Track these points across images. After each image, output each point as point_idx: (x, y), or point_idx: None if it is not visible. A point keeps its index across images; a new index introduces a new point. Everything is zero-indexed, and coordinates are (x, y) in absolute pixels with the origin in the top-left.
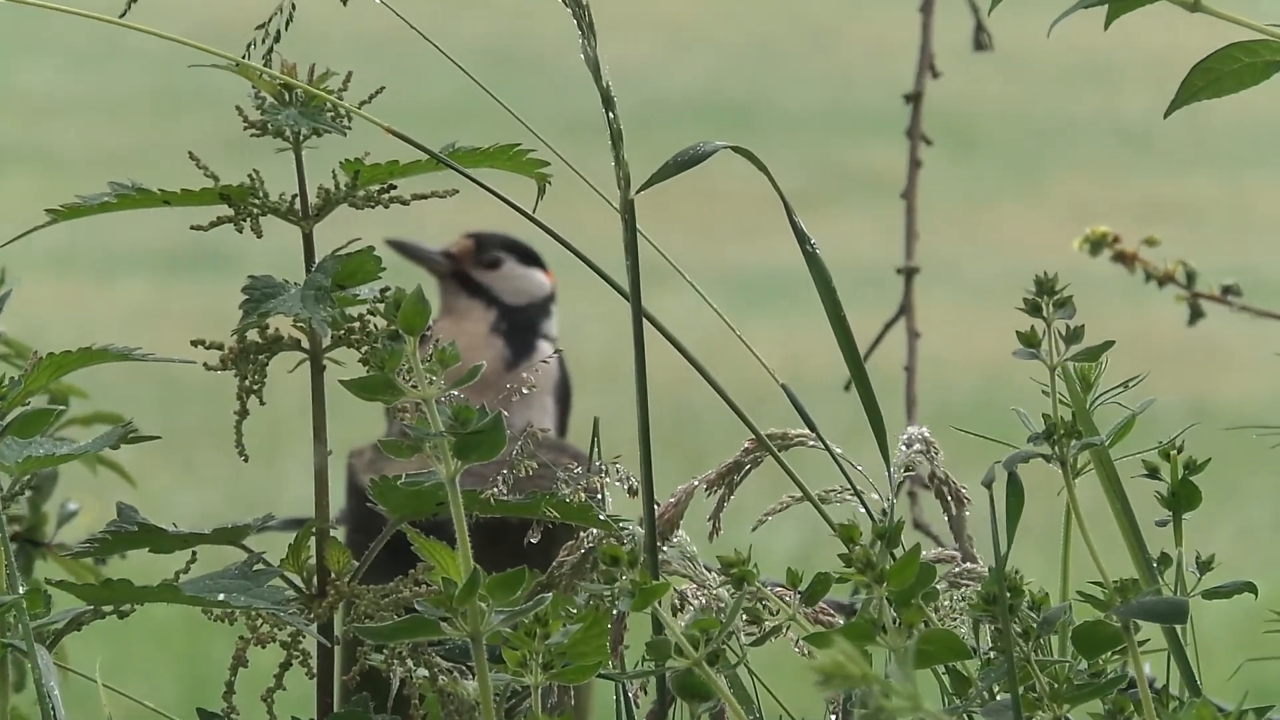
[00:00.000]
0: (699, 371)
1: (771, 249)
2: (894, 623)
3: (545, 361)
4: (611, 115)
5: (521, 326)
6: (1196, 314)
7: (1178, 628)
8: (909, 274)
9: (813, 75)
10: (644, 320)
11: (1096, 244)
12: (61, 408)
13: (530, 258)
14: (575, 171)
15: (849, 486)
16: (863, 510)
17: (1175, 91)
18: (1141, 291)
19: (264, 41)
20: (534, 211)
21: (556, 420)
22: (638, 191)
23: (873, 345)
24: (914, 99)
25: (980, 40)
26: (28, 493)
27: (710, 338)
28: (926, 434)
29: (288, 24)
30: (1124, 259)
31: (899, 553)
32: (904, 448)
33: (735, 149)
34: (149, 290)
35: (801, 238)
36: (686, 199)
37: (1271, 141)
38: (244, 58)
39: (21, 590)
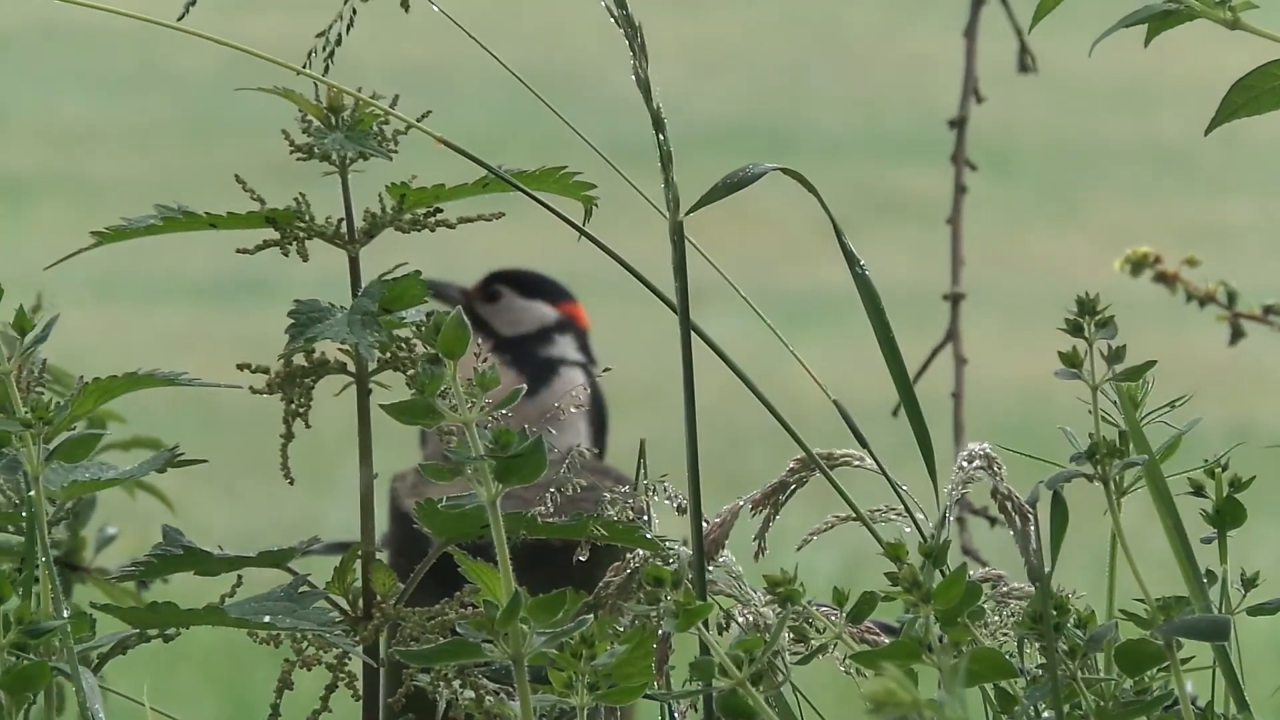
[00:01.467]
0: (749, 387)
1: (812, 272)
2: (940, 641)
3: (582, 388)
4: (661, 137)
5: (530, 354)
6: (1237, 334)
7: (1225, 645)
8: (955, 300)
9: (847, 99)
10: (692, 341)
11: (1138, 264)
12: (103, 431)
13: (532, 290)
14: (634, 187)
15: (895, 507)
16: (909, 530)
17: (1214, 113)
18: (1181, 314)
19: (311, 65)
20: (580, 233)
21: (593, 442)
22: (688, 213)
23: (920, 371)
24: (958, 124)
25: (1024, 62)
26: (68, 518)
27: (754, 360)
28: (989, 449)
29: (336, 47)
30: (1165, 279)
31: (946, 572)
32: (965, 464)
33: (785, 170)
34: (189, 317)
35: (851, 259)
36: (727, 223)
37: None
38: (295, 77)
39: (66, 614)
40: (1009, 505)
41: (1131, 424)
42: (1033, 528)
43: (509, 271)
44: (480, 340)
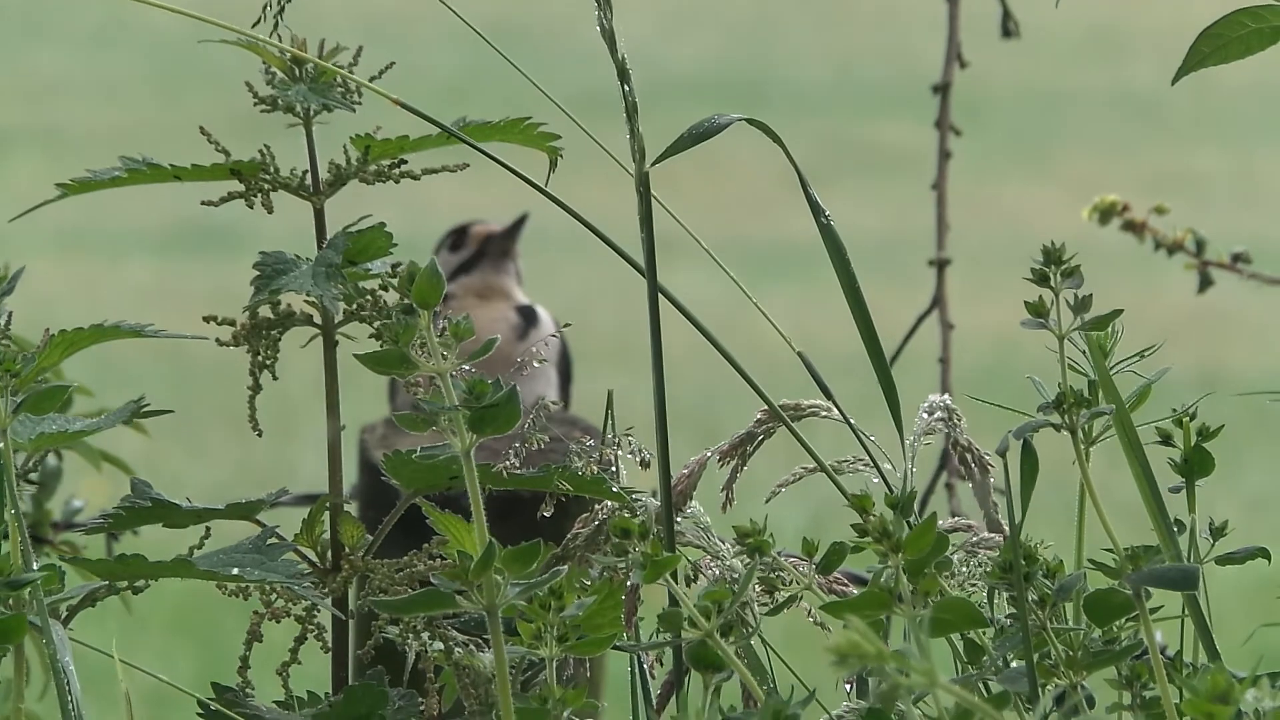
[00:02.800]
0: (711, 343)
1: (779, 224)
2: (909, 592)
3: (553, 335)
4: (627, 88)
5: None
6: (1206, 282)
7: (1195, 594)
8: (941, 265)
9: (819, 51)
10: (659, 293)
11: (1106, 213)
12: (71, 384)
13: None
14: (594, 140)
15: (862, 458)
16: (877, 481)
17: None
18: (1149, 264)
19: (270, 17)
20: (546, 181)
21: (559, 393)
22: (654, 164)
23: (906, 338)
24: (942, 90)
25: (1008, 28)
26: (33, 487)
27: (721, 312)
28: (949, 401)
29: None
30: (1133, 227)
31: (913, 523)
32: (925, 415)
33: (751, 121)
34: (157, 270)
35: (816, 209)
36: (695, 174)
37: (1278, 112)
38: (252, 29)
39: (36, 567)
40: (968, 457)
41: (1101, 373)
42: (993, 479)
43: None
44: None
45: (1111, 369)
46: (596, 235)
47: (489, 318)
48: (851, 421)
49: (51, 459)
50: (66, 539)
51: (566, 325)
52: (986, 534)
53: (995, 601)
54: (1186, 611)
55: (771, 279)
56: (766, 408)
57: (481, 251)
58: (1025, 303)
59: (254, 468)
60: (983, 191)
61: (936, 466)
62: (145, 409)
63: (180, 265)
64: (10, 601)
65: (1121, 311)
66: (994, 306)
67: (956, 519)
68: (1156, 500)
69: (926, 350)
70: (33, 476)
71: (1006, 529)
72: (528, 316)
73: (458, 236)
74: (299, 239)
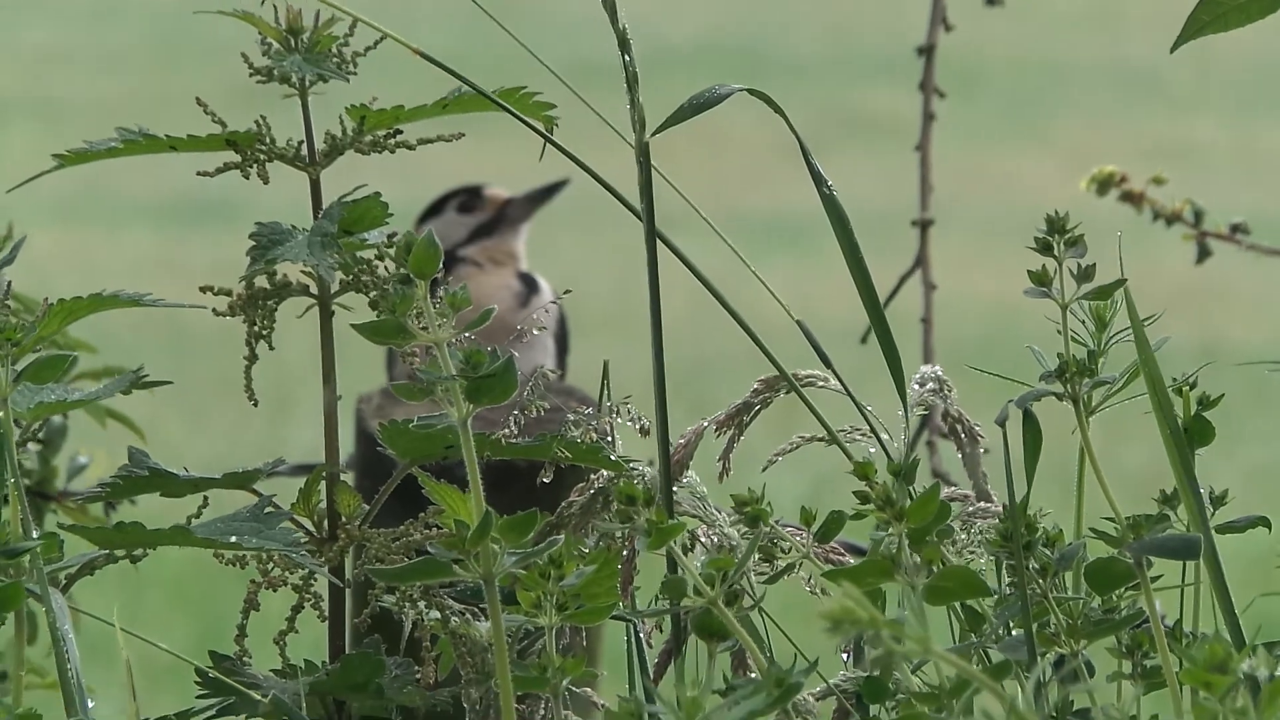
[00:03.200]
0: (719, 301)
1: (778, 195)
2: (912, 560)
3: (552, 303)
4: (628, 58)
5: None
6: (1204, 252)
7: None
8: (924, 226)
9: (815, 21)
10: (658, 261)
11: (1104, 183)
12: (72, 353)
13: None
14: (594, 111)
15: (860, 427)
16: (875, 450)
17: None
18: (1147, 235)
19: None
20: (540, 155)
21: (556, 362)
22: (654, 133)
23: (889, 297)
24: (926, 52)
25: None
26: (38, 445)
27: (719, 283)
28: (940, 373)
29: None
30: (1131, 198)
31: (914, 491)
32: (916, 387)
33: (752, 92)
34: (155, 241)
35: (818, 180)
36: (693, 145)
37: (1277, 82)
38: (261, 3)
39: (36, 535)
40: (959, 428)
41: (1139, 336)
42: (982, 450)
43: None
44: None
45: (1111, 339)
46: (608, 190)
47: (494, 284)
48: (851, 391)
49: (57, 418)
50: (73, 499)
51: (567, 293)
52: (982, 503)
53: (995, 570)
54: (1199, 579)
55: (768, 250)
56: (764, 377)
57: (501, 216)
58: (1029, 271)
59: (251, 437)
60: (978, 161)
61: (916, 428)
62: (144, 379)
63: (178, 236)
64: (10, 570)
65: (1125, 281)
66: (989, 275)
67: (953, 489)
68: (1184, 459)
69: (917, 315)
70: (38, 436)
71: (997, 499)
72: (529, 284)
73: (469, 198)
74: (296, 211)
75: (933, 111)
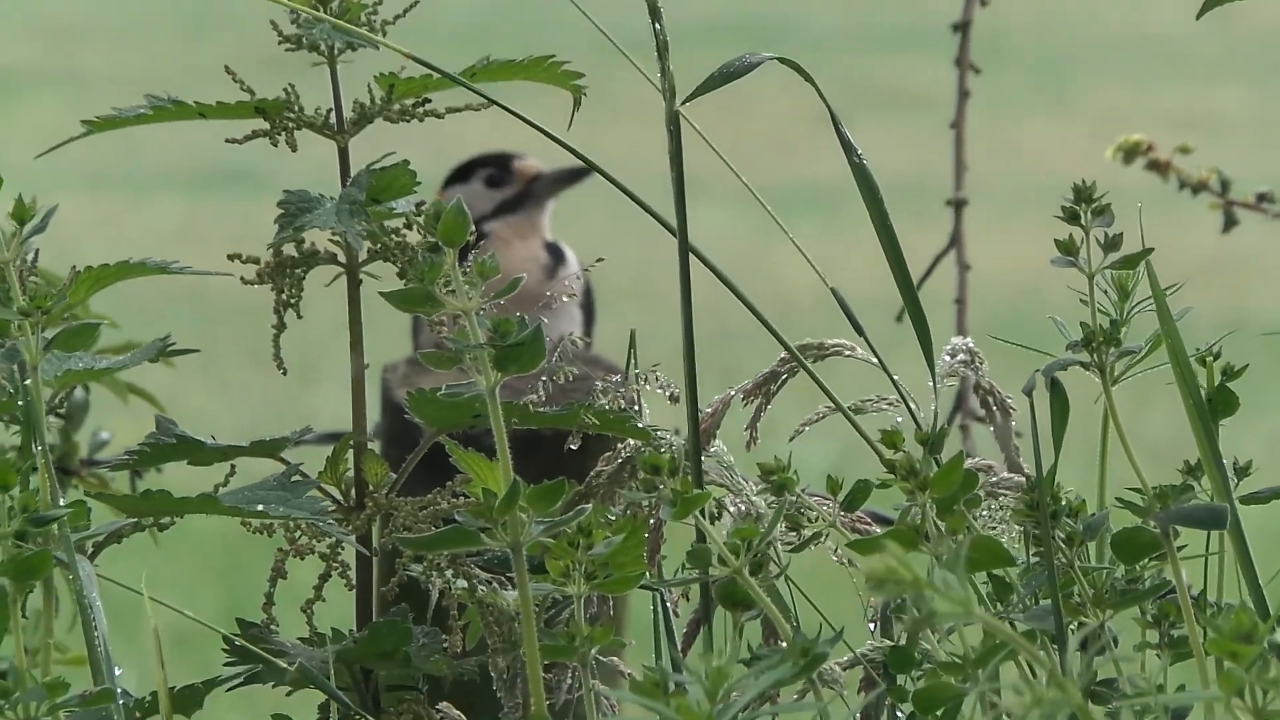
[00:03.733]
0: (728, 286)
1: (802, 165)
2: (937, 529)
3: (579, 274)
4: (658, 26)
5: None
6: (1231, 222)
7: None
8: (958, 205)
9: None
10: (688, 231)
11: (1130, 152)
12: (101, 320)
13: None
14: (639, 70)
15: (886, 397)
16: (901, 420)
17: None
18: (1172, 204)
19: None
20: (569, 125)
21: (583, 331)
22: (684, 102)
23: (923, 277)
24: (962, 28)
25: None
26: (60, 421)
27: (746, 250)
28: (970, 344)
29: None
30: (1157, 167)
31: (940, 462)
32: (947, 357)
33: (782, 60)
34: (182, 209)
35: (848, 148)
36: (719, 114)
37: None
38: None
39: (63, 503)
40: (990, 399)
41: (1161, 302)
42: (1014, 422)
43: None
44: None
45: (1133, 309)
46: (614, 185)
47: (522, 256)
48: (879, 359)
49: (79, 392)
50: (95, 473)
51: (599, 261)
52: (1006, 474)
53: (1022, 541)
54: (1224, 548)
55: (794, 219)
56: (790, 347)
57: (527, 192)
58: (1055, 241)
59: (277, 406)
60: (1003, 130)
61: (952, 408)
62: (170, 347)
63: (206, 204)
64: (38, 538)
65: (1152, 250)
66: (1013, 245)
67: (977, 459)
68: (1206, 430)
69: (944, 290)
70: (60, 411)
71: (1028, 470)
72: (556, 255)
73: (498, 170)
74: (323, 179)
75: (968, 89)
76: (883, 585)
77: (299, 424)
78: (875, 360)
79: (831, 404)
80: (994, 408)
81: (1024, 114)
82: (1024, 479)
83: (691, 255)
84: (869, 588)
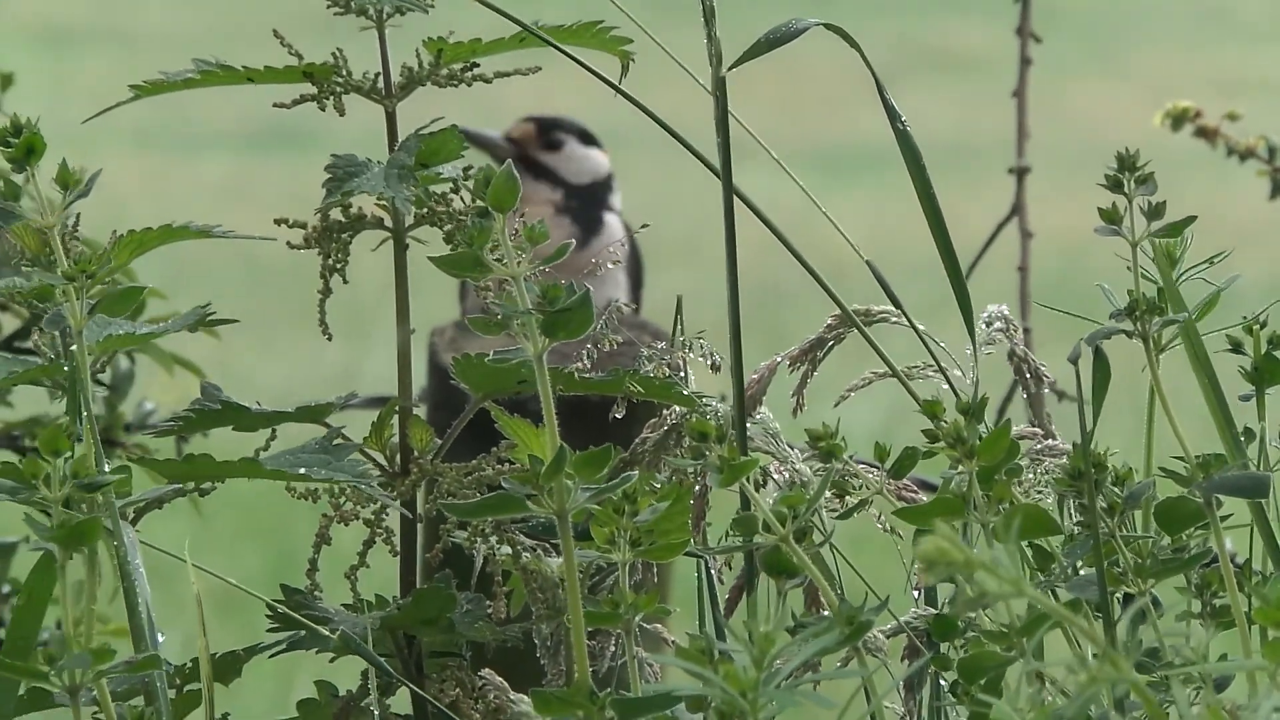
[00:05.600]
0: (787, 247)
1: (852, 124)
2: (982, 498)
3: (622, 242)
4: None
5: (587, 205)
6: (1278, 188)
7: (1262, 502)
8: (1021, 173)
9: None
10: (734, 196)
11: (1178, 119)
12: (144, 286)
13: (589, 138)
14: (666, 51)
15: (932, 364)
16: (946, 387)
17: None
18: (1221, 168)
19: None
20: (620, 81)
21: (630, 296)
22: (730, 69)
23: (985, 245)
24: None
25: None
26: (105, 391)
27: (792, 214)
28: (1006, 312)
29: None
30: (1205, 134)
31: (983, 429)
32: (984, 326)
33: (829, 26)
34: (230, 168)
35: (893, 115)
36: (768, 75)
37: None
38: None
39: (107, 469)
40: (1024, 368)
41: (1168, 283)
42: (1048, 390)
43: (556, 119)
44: (550, 189)
45: (1180, 276)
46: (675, 137)
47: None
48: (920, 328)
49: (124, 362)
50: (138, 441)
51: (644, 226)
52: (1051, 442)
53: (1064, 509)
54: (1253, 520)
55: (844, 181)
56: (837, 312)
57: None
58: (1099, 209)
59: (323, 367)
60: (1053, 94)
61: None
62: (211, 315)
63: (254, 164)
64: (84, 504)
65: (1195, 218)
66: (1064, 210)
67: (1021, 428)
68: (1222, 407)
69: (997, 256)
70: (103, 379)
71: (1062, 438)
72: (590, 223)
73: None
74: (370, 139)
75: (1029, 56)
76: (934, 566)
77: (346, 382)
78: (919, 328)
79: (876, 370)
80: (1028, 376)
81: (1074, 77)
82: (1069, 447)
83: (740, 215)
84: (921, 569)
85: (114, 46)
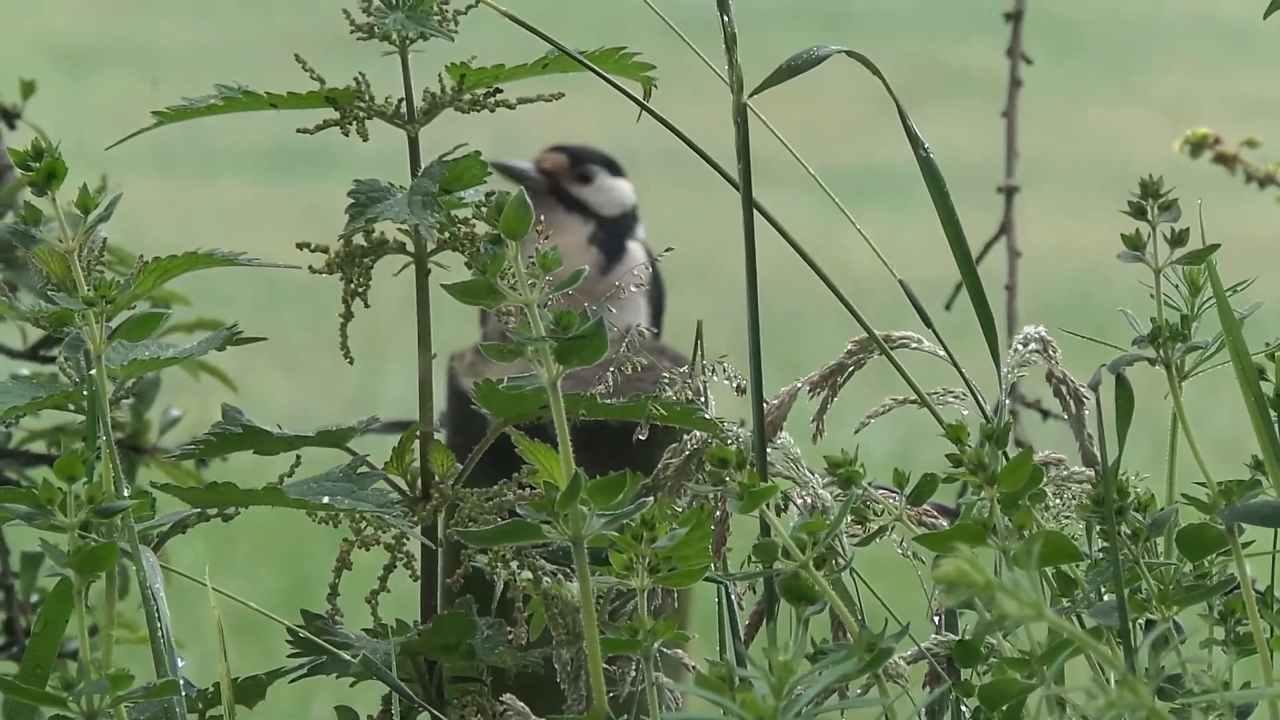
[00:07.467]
0: (811, 266)
1: (871, 147)
2: (1004, 524)
3: (645, 266)
4: (726, 18)
5: (614, 235)
6: None
7: None
8: (1009, 193)
9: None
10: (754, 221)
11: (1197, 146)
12: (166, 310)
13: (616, 169)
14: (704, 59)
15: (952, 389)
16: (967, 413)
17: None
18: (1240, 191)
19: None
20: (638, 117)
21: (651, 322)
22: (751, 95)
23: (975, 261)
24: (1014, 18)
25: None
26: (131, 399)
27: (810, 237)
28: (1043, 333)
29: None
30: (1224, 160)
31: (1007, 455)
32: (1019, 347)
33: (849, 53)
34: (250, 189)
35: (915, 142)
36: (787, 98)
37: None
38: None
39: (127, 494)
40: (1064, 389)
41: (1222, 302)
42: (1088, 412)
43: (587, 150)
44: (582, 222)
45: (1201, 306)
46: (702, 157)
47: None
48: (947, 353)
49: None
50: (165, 449)
51: (668, 250)
52: (1076, 468)
53: (1091, 535)
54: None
55: (860, 203)
56: (856, 338)
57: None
58: (1122, 235)
59: (344, 387)
60: (1073, 115)
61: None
62: (237, 335)
63: (274, 185)
64: (102, 528)
65: (1219, 246)
66: (1082, 230)
67: (1047, 452)
68: (1269, 428)
69: (1004, 275)
70: (133, 390)
71: (1075, 458)
72: (613, 249)
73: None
74: (391, 161)
75: (1020, 78)
76: (954, 588)
77: (362, 405)
78: (943, 353)
79: (896, 396)
80: (1068, 398)
81: (1093, 97)
82: (1092, 473)
83: (766, 236)
84: (941, 591)
85: (131, 63)
